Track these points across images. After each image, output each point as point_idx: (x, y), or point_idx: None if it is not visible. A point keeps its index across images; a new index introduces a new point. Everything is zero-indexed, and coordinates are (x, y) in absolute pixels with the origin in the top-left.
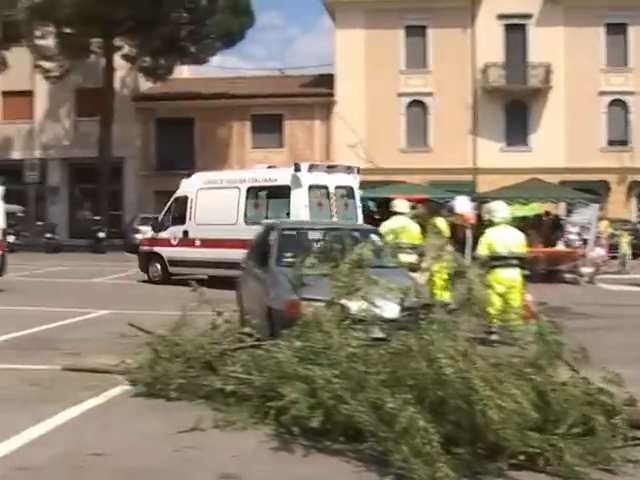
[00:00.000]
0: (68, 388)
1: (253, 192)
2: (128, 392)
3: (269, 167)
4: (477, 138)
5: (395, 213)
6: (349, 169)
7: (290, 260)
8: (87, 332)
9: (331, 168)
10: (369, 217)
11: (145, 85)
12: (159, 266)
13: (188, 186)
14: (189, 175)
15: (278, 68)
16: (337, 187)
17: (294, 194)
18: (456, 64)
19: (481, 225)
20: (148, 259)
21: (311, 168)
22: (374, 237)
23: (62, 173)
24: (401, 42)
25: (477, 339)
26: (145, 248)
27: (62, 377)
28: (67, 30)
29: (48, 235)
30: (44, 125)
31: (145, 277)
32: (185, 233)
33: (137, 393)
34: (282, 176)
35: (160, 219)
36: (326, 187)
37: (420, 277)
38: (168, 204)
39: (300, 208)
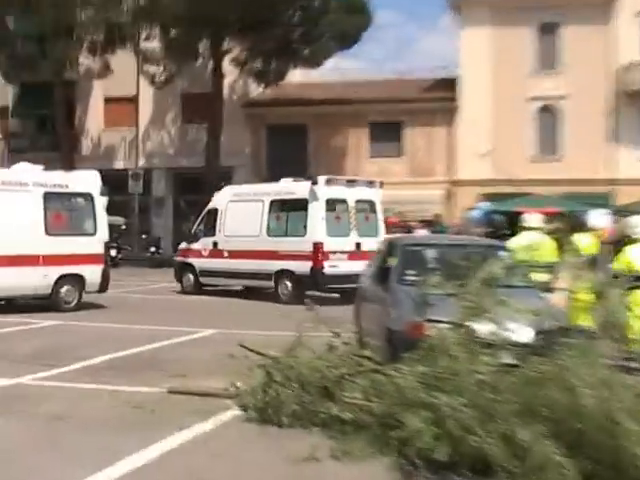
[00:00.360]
0: (174, 412)
1: (276, 205)
2: (238, 417)
3: (294, 181)
4: (616, 145)
5: (526, 228)
6: (371, 183)
7: (413, 278)
8: (193, 352)
9: (351, 182)
10: (496, 232)
11: (255, 90)
12: (191, 276)
13: (219, 199)
14: (220, 188)
15: (396, 71)
16: (357, 201)
17: (311, 207)
18: (592, 65)
19: (619, 242)
20: (182, 269)
21: (329, 182)
22: (503, 254)
23: (167, 183)
24: (531, 41)
25: (619, 366)
26: (179, 259)
27: (168, 400)
28: (173, 32)
29: (152, 249)
30: (148, 133)
31: (179, 288)
32: (215, 244)
33: (248, 418)
34: (301, 190)
35: (193, 230)
36: (345, 201)
37: (555, 298)
38: (201, 216)
39: (317, 221)
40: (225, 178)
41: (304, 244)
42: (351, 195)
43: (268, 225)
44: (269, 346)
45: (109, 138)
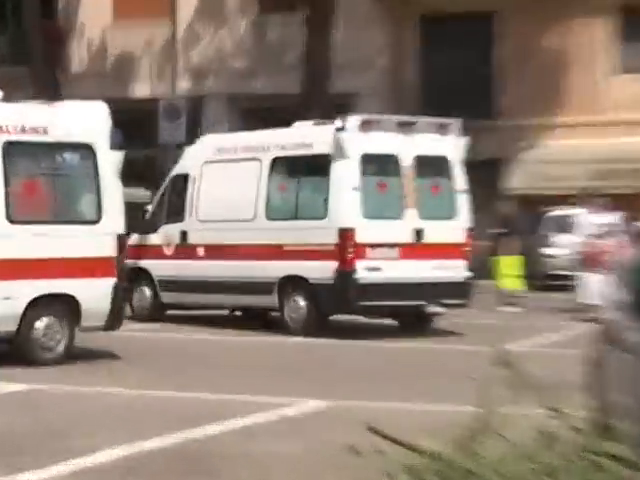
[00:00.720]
0: None
1: (280, 167)
2: None
3: (316, 124)
4: None
5: None
6: (442, 127)
7: None
8: (276, 443)
9: (406, 125)
10: None
11: None
12: (147, 291)
13: (191, 158)
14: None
15: None
16: (418, 157)
17: (335, 169)
18: None
19: None
20: (131, 279)
21: (366, 125)
22: None
23: (230, 124)
24: None
25: None
26: (127, 261)
27: None
28: None
29: None
30: (195, 31)
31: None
32: (183, 235)
33: None
34: (320, 139)
35: (150, 213)
36: (395, 157)
37: None
38: (161, 188)
39: (344, 192)
40: (338, 113)
41: (324, 232)
42: (407, 148)
43: (267, 201)
44: (418, 430)
45: (123, 40)
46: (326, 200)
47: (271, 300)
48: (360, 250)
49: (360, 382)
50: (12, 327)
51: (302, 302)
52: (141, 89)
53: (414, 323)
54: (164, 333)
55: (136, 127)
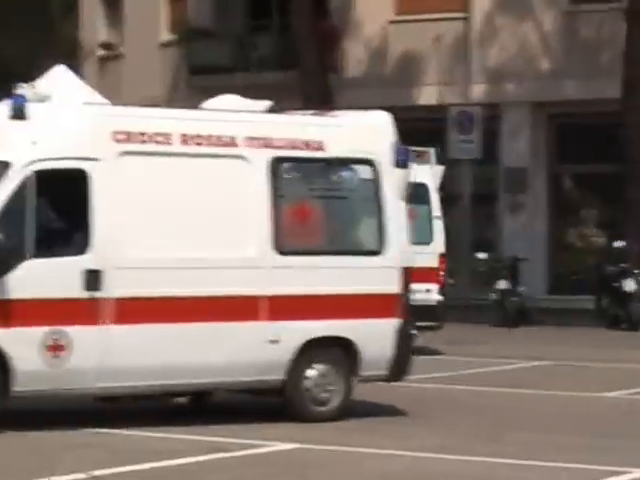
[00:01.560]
0: None
1: None
2: None
3: None
4: None
5: None
6: (418, 155)
7: None
8: None
9: None
10: None
11: None
12: None
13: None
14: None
15: None
16: None
17: None
18: None
19: None
20: None
21: None
22: None
23: (535, 138)
24: None
25: None
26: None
27: None
28: None
29: (501, 283)
30: (492, 27)
31: None
32: None
33: None
34: None
35: None
36: None
37: None
38: None
39: None
40: None
41: None
42: None
43: None
44: None
45: (406, 39)
46: None
47: None
48: None
49: None
50: (280, 376)
51: None
52: (427, 96)
53: None
54: (459, 385)
55: (421, 140)
